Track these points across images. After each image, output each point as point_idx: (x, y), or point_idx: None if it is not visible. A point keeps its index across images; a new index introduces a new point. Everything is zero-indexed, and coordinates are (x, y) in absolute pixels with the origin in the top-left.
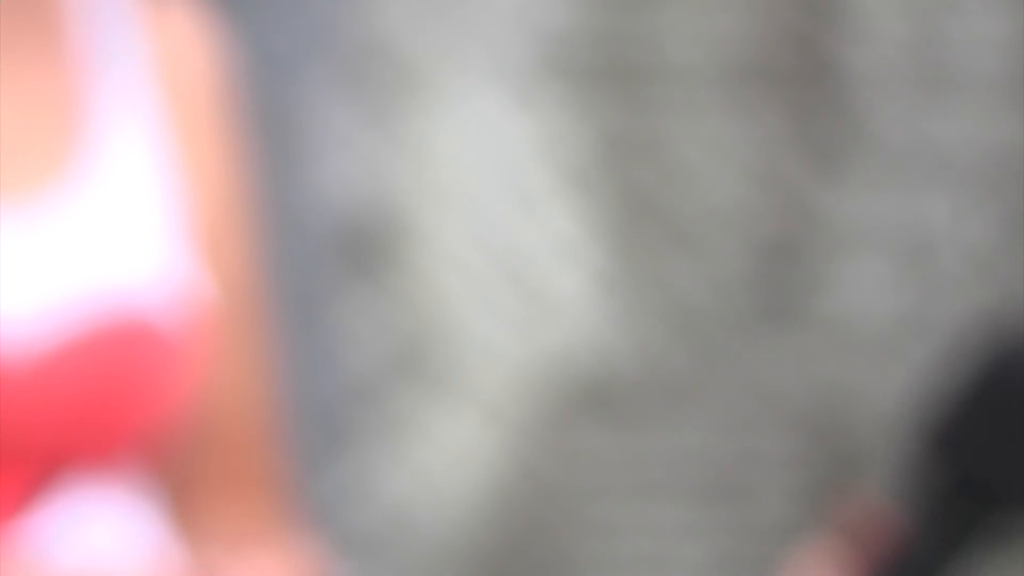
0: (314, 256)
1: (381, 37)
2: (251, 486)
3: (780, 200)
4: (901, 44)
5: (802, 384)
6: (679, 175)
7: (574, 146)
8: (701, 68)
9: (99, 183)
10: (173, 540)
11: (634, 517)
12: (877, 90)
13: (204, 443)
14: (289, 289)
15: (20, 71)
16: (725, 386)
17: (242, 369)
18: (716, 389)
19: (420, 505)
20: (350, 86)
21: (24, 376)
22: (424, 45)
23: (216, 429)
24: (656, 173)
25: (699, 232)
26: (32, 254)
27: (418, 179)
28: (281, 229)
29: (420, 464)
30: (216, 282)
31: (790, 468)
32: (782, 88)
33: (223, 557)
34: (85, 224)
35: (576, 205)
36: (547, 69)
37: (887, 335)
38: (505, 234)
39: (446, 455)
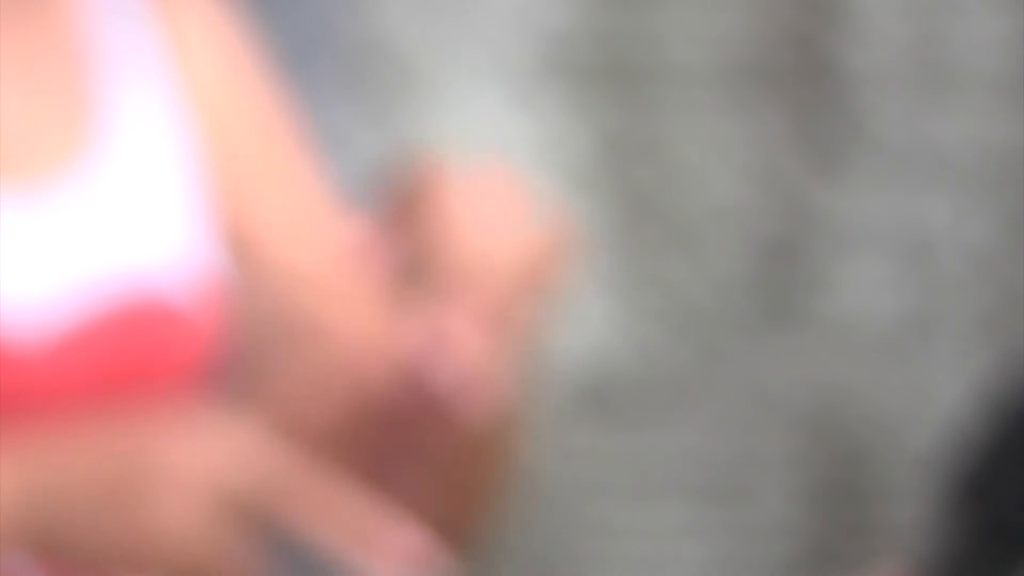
0: None
1: (381, 37)
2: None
3: (780, 200)
4: (901, 44)
5: (802, 384)
6: (679, 175)
7: (574, 146)
8: (701, 68)
9: (116, 162)
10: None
11: (634, 517)
12: (877, 90)
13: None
14: None
15: (31, 49)
16: (725, 386)
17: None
18: (716, 389)
19: None
20: (350, 86)
21: (44, 360)
22: (424, 45)
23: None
24: (656, 173)
25: (699, 232)
26: (49, 236)
27: None
28: None
29: None
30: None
31: (790, 468)
32: (782, 88)
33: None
34: (102, 204)
35: (576, 205)
36: (547, 69)
37: (887, 335)
38: None
39: None
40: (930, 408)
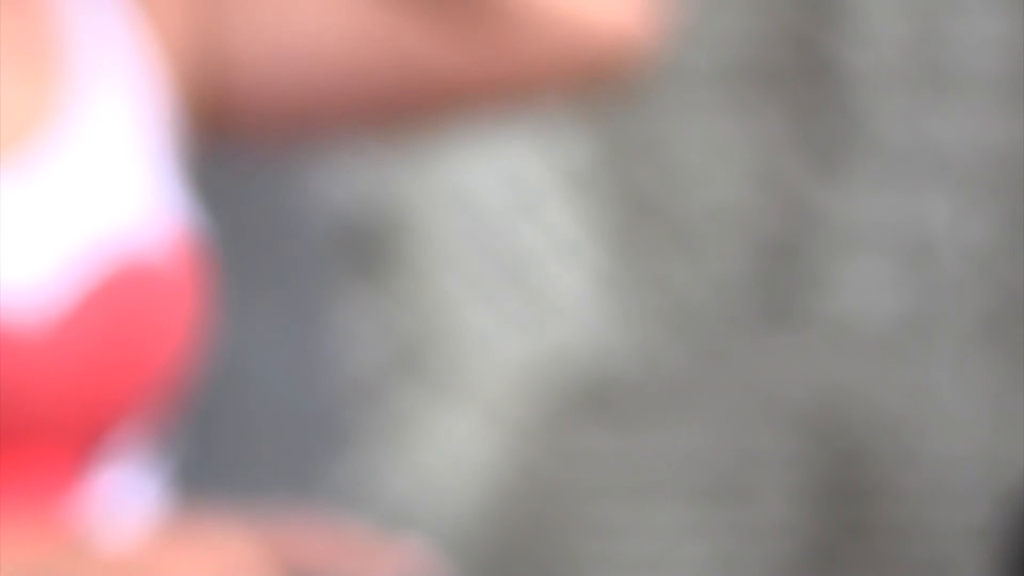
0: (314, 256)
1: None
2: None
3: (780, 200)
4: (901, 44)
5: (802, 384)
6: (679, 175)
7: (574, 147)
8: (701, 68)
9: (83, 129)
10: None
11: (634, 517)
12: (877, 90)
13: None
14: (289, 289)
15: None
16: (725, 386)
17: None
18: (716, 389)
19: (420, 505)
20: None
21: (47, 341)
22: None
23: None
24: (656, 173)
25: (699, 232)
26: (29, 212)
27: (418, 179)
28: (281, 229)
29: (420, 464)
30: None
31: (790, 468)
32: (782, 88)
33: None
34: (73, 176)
35: (576, 205)
36: None
37: (887, 335)
38: (505, 234)
39: (446, 455)
40: (930, 408)
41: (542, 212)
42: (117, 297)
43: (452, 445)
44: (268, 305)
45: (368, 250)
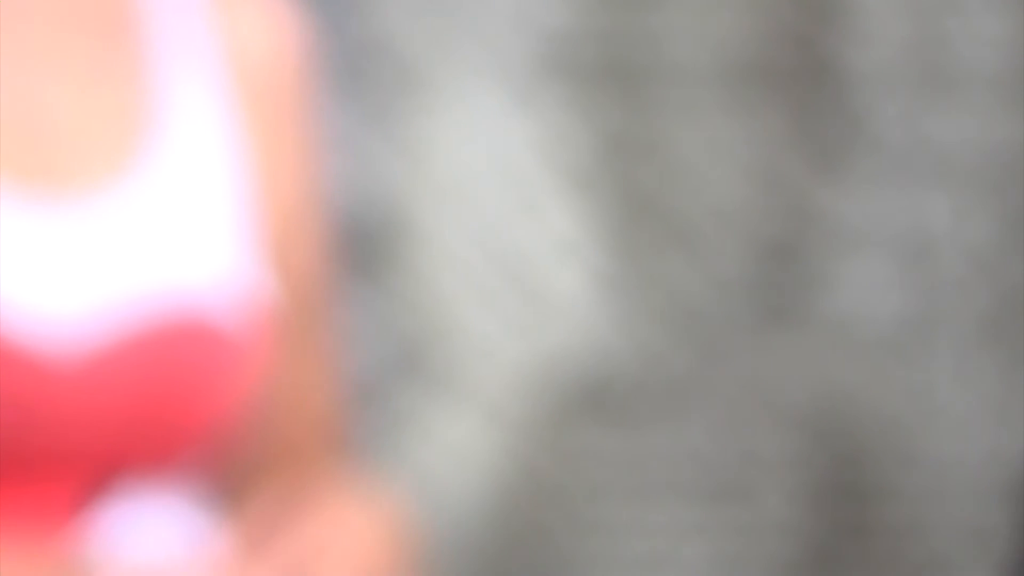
0: None
1: (381, 37)
2: (315, 478)
3: (780, 200)
4: (901, 44)
5: (802, 384)
6: (679, 175)
7: (574, 146)
8: (701, 68)
9: (166, 176)
10: (226, 539)
11: (634, 517)
12: (877, 90)
13: (267, 442)
14: None
15: (86, 59)
16: (725, 386)
17: (308, 368)
18: (716, 389)
19: (420, 505)
20: (350, 86)
21: (72, 375)
22: (424, 45)
23: (280, 430)
24: (656, 173)
25: (699, 232)
26: (90, 249)
27: (418, 179)
28: None
29: (420, 464)
30: (284, 280)
31: (790, 468)
32: (782, 88)
33: (279, 527)
34: (148, 219)
35: (576, 205)
36: (547, 69)
37: (887, 335)
38: (505, 234)
39: (446, 455)
40: (930, 408)
41: (542, 212)
42: (164, 348)
43: (452, 445)
44: None
45: (368, 250)
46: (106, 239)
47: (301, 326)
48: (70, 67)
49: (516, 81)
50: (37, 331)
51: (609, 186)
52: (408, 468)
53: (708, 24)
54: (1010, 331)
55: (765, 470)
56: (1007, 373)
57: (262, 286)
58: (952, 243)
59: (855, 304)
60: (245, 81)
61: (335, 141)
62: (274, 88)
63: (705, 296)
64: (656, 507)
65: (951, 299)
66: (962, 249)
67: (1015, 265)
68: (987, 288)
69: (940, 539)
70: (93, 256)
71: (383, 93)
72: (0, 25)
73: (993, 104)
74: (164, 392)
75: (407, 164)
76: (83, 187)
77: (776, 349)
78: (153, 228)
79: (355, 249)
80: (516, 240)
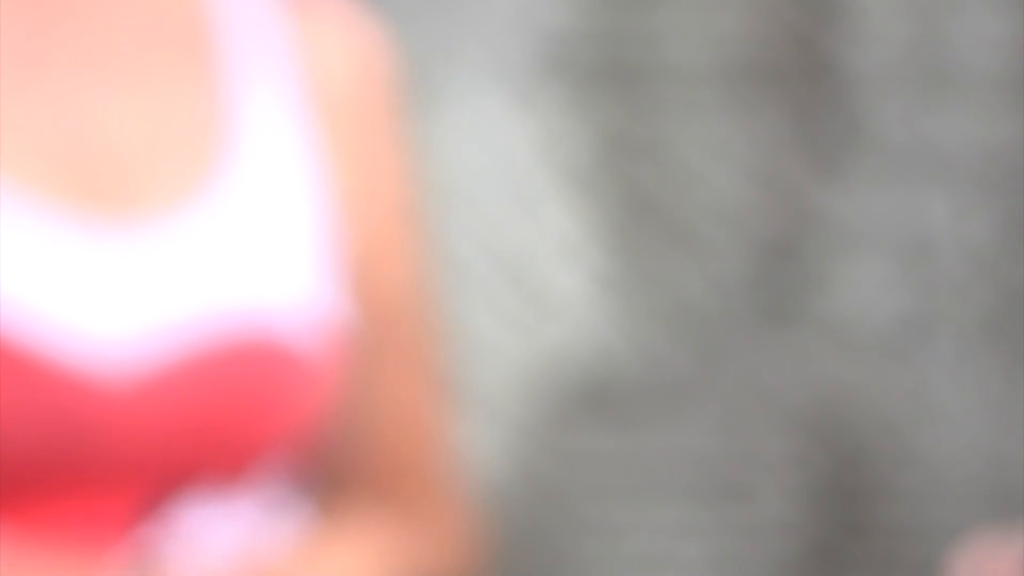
0: None
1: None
2: (395, 499)
3: (780, 200)
4: (901, 44)
5: (802, 384)
6: (679, 175)
7: (574, 146)
8: (701, 68)
9: (239, 195)
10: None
11: (634, 517)
12: (877, 90)
13: (348, 460)
14: None
15: (161, 79)
16: (725, 386)
17: (394, 388)
18: (716, 389)
19: None
20: None
21: (125, 394)
22: (424, 45)
23: (362, 449)
24: (656, 173)
25: (699, 232)
26: (151, 270)
27: (418, 179)
28: None
29: None
30: (368, 300)
31: (790, 468)
32: (782, 88)
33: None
34: (218, 239)
35: (576, 205)
36: (547, 69)
37: (887, 335)
38: (505, 234)
39: None
40: (930, 408)
41: (542, 212)
42: (230, 368)
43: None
44: None
45: None
46: (170, 260)
47: (388, 345)
48: (141, 87)
49: (516, 81)
50: (94, 353)
51: (609, 186)
52: None
53: (708, 24)
54: (1010, 331)
55: (765, 470)
56: (1007, 373)
57: (336, 306)
58: (952, 243)
59: (855, 304)
60: (326, 96)
61: None
62: (357, 103)
63: (705, 296)
64: (656, 507)
65: (951, 299)
66: (962, 249)
67: (1015, 265)
68: (987, 288)
69: (940, 539)
70: (154, 277)
71: None
72: (74, 47)
73: (993, 104)
74: (225, 411)
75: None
76: (149, 208)
77: (776, 349)
78: (222, 248)
79: None
80: (516, 240)
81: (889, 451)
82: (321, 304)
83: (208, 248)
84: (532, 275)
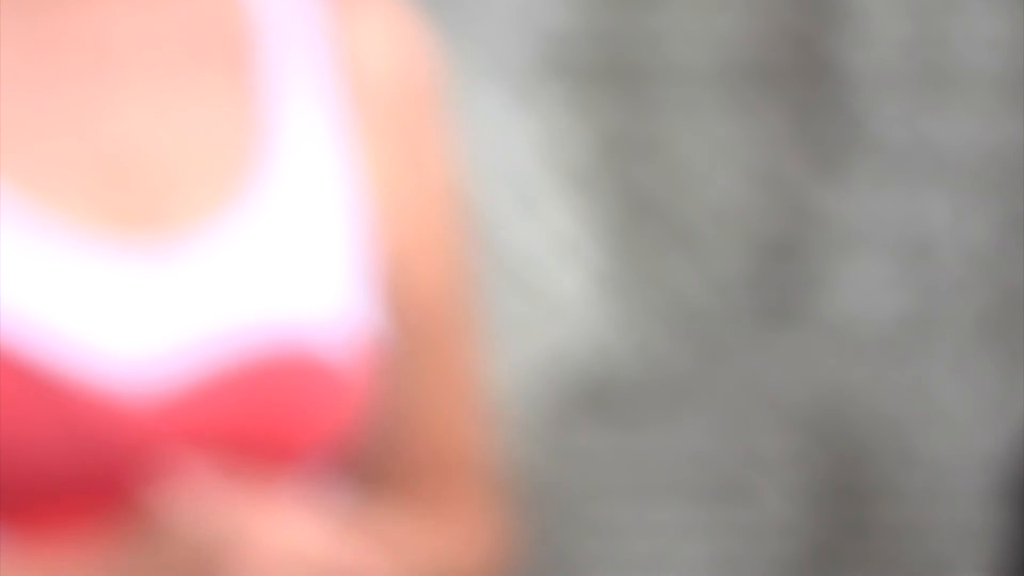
0: None
1: None
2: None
3: (780, 200)
4: (901, 44)
5: (802, 384)
6: (679, 175)
7: (574, 146)
8: (701, 68)
9: (275, 208)
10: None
11: (634, 517)
12: (877, 90)
13: (387, 467)
14: None
15: (195, 88)
16: (725, 386)
17: (432, 394)
18: (716, 389)
19: None
20: None
21: (148, 414)
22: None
23: (401, 455)
24: (656, 173)
25: (699, 232)
26: (180, 285)
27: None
28: None
29: None
30: (405, 308)
31: (790, 468)
32: (782, 88)
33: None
34: (251, 253)
35: (576, 205)
36: (547, 69)
37: (887, 335)
38: (505, 234)
39: None
40: (930, 408)
41: (542, 212)
42: (262, 382)
43: None
44: None
45: None
46: (198, 276)
47: (426, 343)
48: (173, 97)
49: (516, 81)
50: (120, 373)
51: (609, 186)
52: None
53: (708, 24)
54: (1010, 331)
55: (765, 470)
56: (1007, 373)
57: (370, 318)
58: (952, 243)
59: (855, 304)
60: (367, 90)
61: None
62: (399, 98)
63: (705, 296)
64: (656, 507)
65: (951, 299)
66: (962, 249)
67: (1015, 265)
68: (987, 288)
69: (940, 539)
70: (182, 294)
71: None
72: (99, 57)
73: (993, 104)
74: (256, 427)
75: None
76: (178, 223)
77: (776, 349)
78: (254, 262)
79: None
80: (516, 240)
81: (889, 451)
82: (355, 316)
83: (240, 262)
84: (532, 275)
